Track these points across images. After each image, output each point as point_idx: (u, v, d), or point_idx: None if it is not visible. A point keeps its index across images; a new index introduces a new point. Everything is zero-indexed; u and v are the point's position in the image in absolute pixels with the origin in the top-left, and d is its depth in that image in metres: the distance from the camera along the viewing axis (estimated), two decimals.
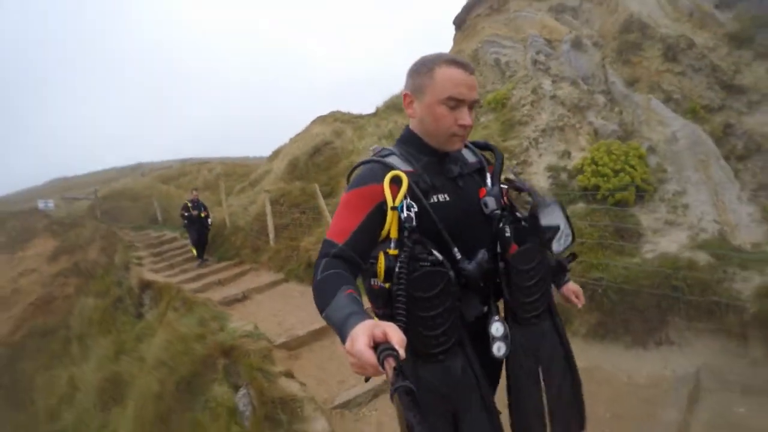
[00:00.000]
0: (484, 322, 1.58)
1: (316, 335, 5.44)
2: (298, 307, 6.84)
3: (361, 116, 14.48)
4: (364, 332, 0.97)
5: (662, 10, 8.12)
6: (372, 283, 1.50)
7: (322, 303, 1.21)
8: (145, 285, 9.84)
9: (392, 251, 1.43)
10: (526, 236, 1.65)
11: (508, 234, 1.60)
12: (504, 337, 1.57)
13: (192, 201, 11.36)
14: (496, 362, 1.63)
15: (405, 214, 1.43)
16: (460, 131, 1.51)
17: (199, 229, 11.27)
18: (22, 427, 10.19)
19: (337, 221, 1.46)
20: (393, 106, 13.45)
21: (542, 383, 1.64)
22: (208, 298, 7.71)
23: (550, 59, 8.67)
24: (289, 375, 4.13)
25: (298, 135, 15.56)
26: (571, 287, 1.85)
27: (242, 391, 3.84)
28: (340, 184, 10.15)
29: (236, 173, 19.45)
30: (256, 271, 9.77)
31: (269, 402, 3.53)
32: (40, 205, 23.14)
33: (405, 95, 1.57)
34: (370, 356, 0.93)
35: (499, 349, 1.56)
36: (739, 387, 3.57)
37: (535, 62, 8.72)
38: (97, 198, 19.42)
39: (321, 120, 15.03)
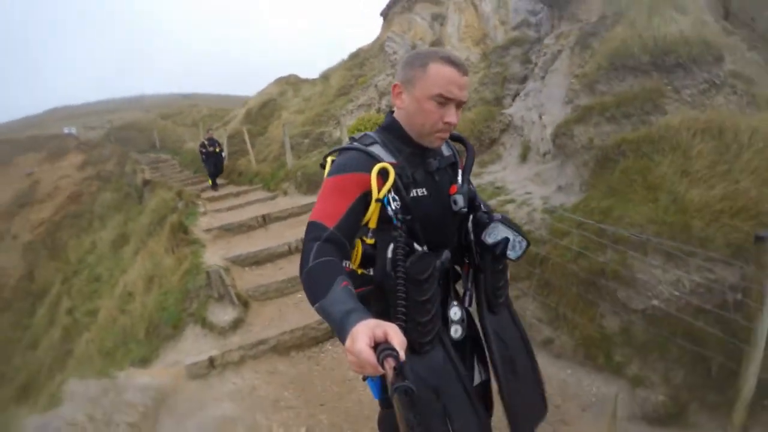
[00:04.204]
0: (444, 306, 1.62)
1: (221, 197, 11.39)
2: (225, 193, 12.68)
3: (305, 80, 19.75)
4: (364, 332, 0.98)
5: (458, 33, 12.93)
6: (345, 264, 1.51)
7: (316, 293, 1.21)
8: (146, 182, 15.42)
9: (369, 240, 1.50)
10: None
11: (471, 231, 1.70)
12: (461, 321, 1.63)
13: (208, 139, 13.71)
14: (458, 345, 1.65)
15: (393, 206, 1.47)
16: (444, 128, 1.52)
17: (215, 162, 13.57)
18: (59, 270, 16.02)
19: (324, 205, 1.45)
20: (324, 76, 18.91)
21: (516, 368, 1.74)
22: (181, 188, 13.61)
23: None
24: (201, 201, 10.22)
25: (260, 90, 21.18)
26: None
27: (180, 201, 9.87)
28: (268, 128, 15.93)
29: (217, 115, 25.45)
30: (203, 175, 15.12)
31: (188, 202, 9.59)
32: (65, 130, 29.12)
33: (394, 86, 1.56)
34: (370, 356, 0.94)
35: (456, 331, 1.62)
36: None
37: (390, 57, 14.22)
38: (112, 127, 25.47)
39: (277, 81, 20.41)
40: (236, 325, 4.69)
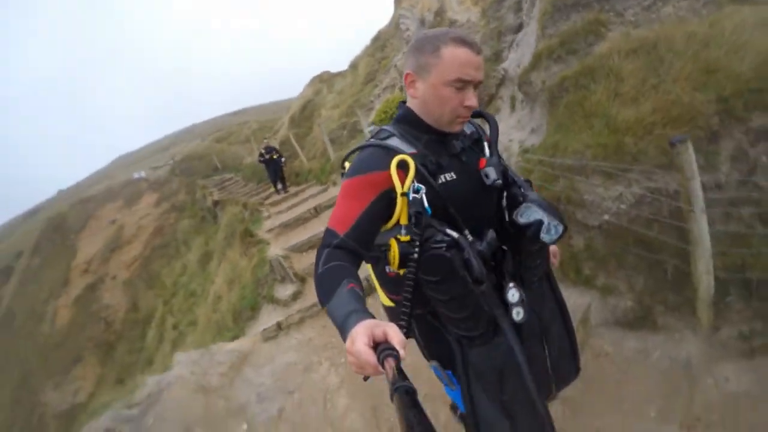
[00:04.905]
0: (500, 291, 1.55)
1: (283, 200, 12.56)
2: (285, 195, 13.91)
3: (337, 74, 20.69)
4: (364, 332, 0.98)
5: None
6: (387, 270, 1.57)
7: (324, 297, 1.21)
8: (216, 203, 17.29)
9: (404, 237, 1.39)
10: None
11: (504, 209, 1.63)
12: (520, 302, 1.54)
13: (265, 148, 14.01)
14: (521, 329, 1.58)
15: (412, 197, 1.38)
16: (465, 113, 1.46)
17: (274, 169, 13.79)
18: (159, 295, 18.28)
19: (338, 210, 1.41)
20: (353, 65, 19.68)
21: (545, 343, 1.69)
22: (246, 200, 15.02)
23: (415, 32, 14.20)
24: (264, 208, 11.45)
25: (299, 94, 22.38)
26: (551, 248, 1.85)
27: (246, 211, 11.15)
28: (312, 128, 17.00)
29: (266, 126, 27.45)
30: (267, 183, 16.61)
31: (253, 210, 10.85)
32: (135, 175, 32.14)
33: (407, 74, 1.49)
34: (370, 356, 0.93)
35: (518, 314, 1.53)
36: None
37: (404, 35, 14.77)
38: (175, 162, 27.86)
39: (311, 81, 21.62)
40: (296, 296, 5.92)
